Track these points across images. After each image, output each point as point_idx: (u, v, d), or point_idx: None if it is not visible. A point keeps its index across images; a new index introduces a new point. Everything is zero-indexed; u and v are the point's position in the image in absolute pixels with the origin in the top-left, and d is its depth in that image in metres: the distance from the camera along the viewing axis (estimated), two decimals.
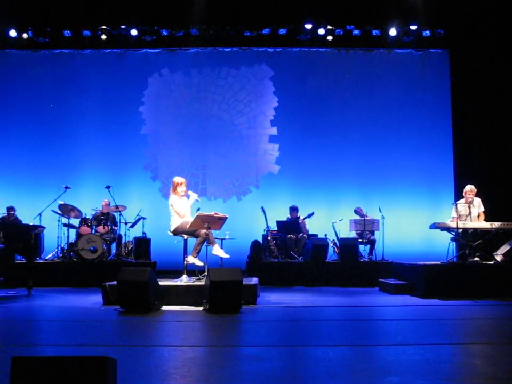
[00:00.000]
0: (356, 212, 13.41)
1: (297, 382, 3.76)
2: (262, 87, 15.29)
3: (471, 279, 9.45)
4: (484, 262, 10.02)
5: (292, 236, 12.96)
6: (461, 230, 10.20)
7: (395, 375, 3.94)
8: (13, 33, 14.40)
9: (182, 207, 8.95)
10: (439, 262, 10.29)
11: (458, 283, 9.42)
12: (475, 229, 10.24)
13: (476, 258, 10.11)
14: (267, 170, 15.12)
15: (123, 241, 12.78)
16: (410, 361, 4.52)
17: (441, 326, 6.65)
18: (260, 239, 13.01)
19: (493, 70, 13.90)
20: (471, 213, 10.49)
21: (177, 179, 9.16)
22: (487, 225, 10.17)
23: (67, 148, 14.89)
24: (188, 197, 9.16)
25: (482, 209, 10.62)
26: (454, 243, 11.04)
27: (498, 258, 9.91)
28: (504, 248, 9.96)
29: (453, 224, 10.12)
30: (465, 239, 10.29)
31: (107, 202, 12.72)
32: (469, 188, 10.68)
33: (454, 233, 10.39)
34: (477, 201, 10.67)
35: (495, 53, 13.84)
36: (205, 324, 6.87)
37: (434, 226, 10.33)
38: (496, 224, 10.05)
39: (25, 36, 14.50)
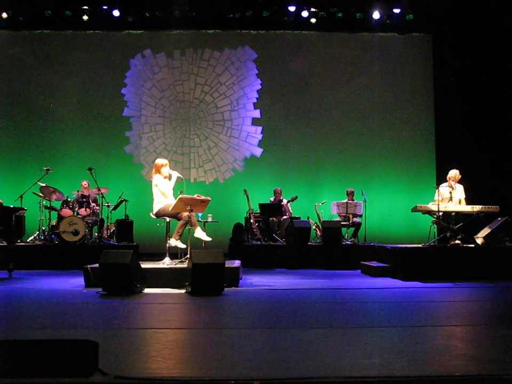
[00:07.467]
0: (347, 193, 13.34)
1: (280, 364, 3.77)
2: (245, 69, 15.23)
3: (452, 262, 9.52)
4: (464, 245, 10.12)
5: (274, 218, 12.96)
6: (442, 213, 10.26)
7: (377, 357, 3.96)
8: None
9: (166, 188, 8.94)
10: (420, 245, 10.36)
11: (439, 266, 9.49)
12: (456, 212, 10.31)
13: (457, 241, 10.18)
14: (250, 153, 15.11)
15: (105, 223, 12.74)
16: (392, 342, 4.56)
17: (422, 308, 6.70)
18: (243, 222, 13.02)
19: (475, 54, 13.95)
20: (453, 197, 10.56)
21: (160, 161, 9.11)
22: (468, 208, 10.24)
23: (48, 129, 14.80)
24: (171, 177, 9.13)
25: (463, 196, 10.68)
26: (436, 226, 11.09)
27: (479, 241, 9.99)
28: (485, 231, 10.04)
29: (434, 207, 10.17)
30: (447, 222, 10.35)
31: (86, 184, 12.62)
32: (453, 173, 10.75)
33: (435, 216, 10.44)
34: (460, 187, 10.72)
35: (477, 37, 13.86)
36: (187, 307, 6.86)
37: (415, 209, 10.37)
38: (477, 208, 10.11)
39: (5, 15, 14.25)
